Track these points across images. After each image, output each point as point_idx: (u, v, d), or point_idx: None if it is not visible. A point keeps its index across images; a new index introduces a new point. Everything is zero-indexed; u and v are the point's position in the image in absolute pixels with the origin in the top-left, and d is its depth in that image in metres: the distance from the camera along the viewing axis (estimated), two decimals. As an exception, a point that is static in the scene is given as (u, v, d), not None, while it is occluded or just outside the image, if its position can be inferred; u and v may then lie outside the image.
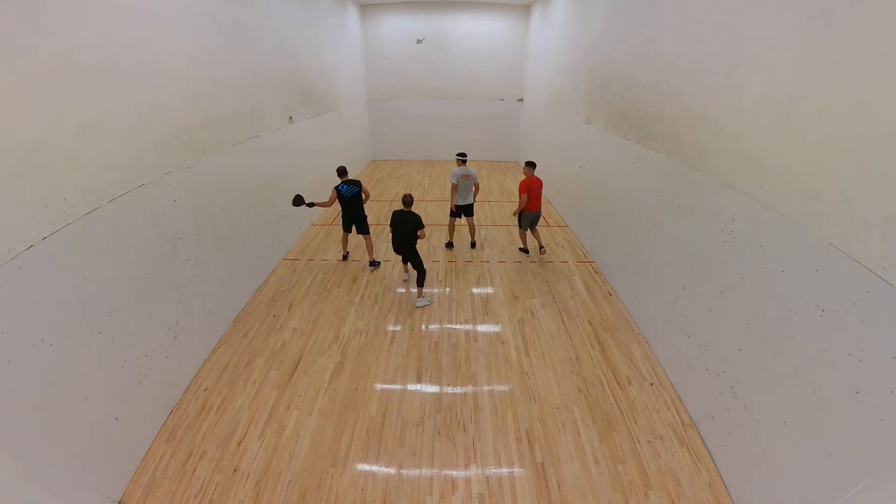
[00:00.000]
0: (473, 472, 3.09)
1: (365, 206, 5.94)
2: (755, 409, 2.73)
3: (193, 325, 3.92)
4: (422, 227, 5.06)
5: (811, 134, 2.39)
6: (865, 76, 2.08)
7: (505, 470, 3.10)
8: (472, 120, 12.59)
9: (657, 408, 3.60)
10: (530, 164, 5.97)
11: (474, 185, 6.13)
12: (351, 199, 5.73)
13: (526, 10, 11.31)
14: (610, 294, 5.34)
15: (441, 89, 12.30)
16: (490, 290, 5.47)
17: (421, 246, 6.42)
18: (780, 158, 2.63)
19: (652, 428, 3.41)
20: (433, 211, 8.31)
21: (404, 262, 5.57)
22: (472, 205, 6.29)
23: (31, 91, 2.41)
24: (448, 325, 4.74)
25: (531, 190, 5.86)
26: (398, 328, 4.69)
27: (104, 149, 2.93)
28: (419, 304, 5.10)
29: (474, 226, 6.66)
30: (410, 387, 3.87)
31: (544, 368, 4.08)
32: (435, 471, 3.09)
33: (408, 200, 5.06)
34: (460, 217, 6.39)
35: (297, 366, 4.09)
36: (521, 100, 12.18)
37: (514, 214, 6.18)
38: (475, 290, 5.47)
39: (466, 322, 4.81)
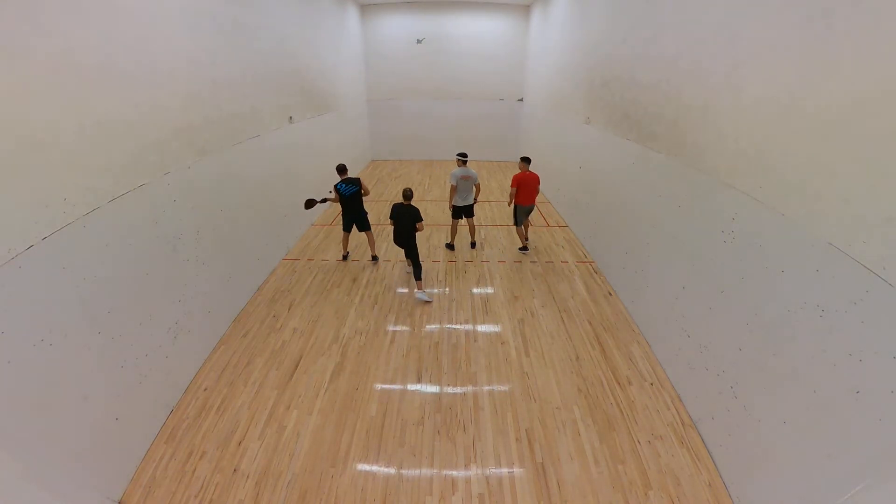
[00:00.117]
0: (473, 472, 3.09)
1: (364, 203, 5.95)
2: (755, 409, 2.73)
3: (193, 325, 3.92)
4: (420, 220, 5.16)
5: (811, 134, 2.39)
6: (865, 76, 2.08)
7: (505, 470, 3.10)
8: (472, 120, 12.59)
9: (657, 408, 3.60)
10: (524, 160, 6.16)
11: (475, 185, 6.13)
12: (350, 198, 5.74)
13: (526, 10, 11.31)
14: (610, 294, 5.34)
15: (441, 89, 12.30)
16: (490, 290, 5.47)
17: (421, 246, 6.45)
18: (780, 158, 2.63)
19: (652, 428, 3.41)
20: (433, 211, 8.31)
21: (406, 258, 5.66)
22: (472, 205, 6.29)
23: (32, 91, 2.41)
24: (448, 325, 4.74)
25: (524, 184, 6.02)
26: (398, 328, 4.69)
27: (104, 149, 2.93)
28: (420, 297, 5.19)
29: (474, 226, 6.66)
30: (410, 387, 3.87)
31: (544, 368, 4.08)
32: (435, 471, 3.09)
33: (408, 194, 5.19)
34: (461, 218, 6.40)
35: (297, 366, 4.09)
36: (521, 100, 12.18)
37: (510, 205, 6.35)
38: (475, 290, 5.47)
39: (466, 322, 4.81)
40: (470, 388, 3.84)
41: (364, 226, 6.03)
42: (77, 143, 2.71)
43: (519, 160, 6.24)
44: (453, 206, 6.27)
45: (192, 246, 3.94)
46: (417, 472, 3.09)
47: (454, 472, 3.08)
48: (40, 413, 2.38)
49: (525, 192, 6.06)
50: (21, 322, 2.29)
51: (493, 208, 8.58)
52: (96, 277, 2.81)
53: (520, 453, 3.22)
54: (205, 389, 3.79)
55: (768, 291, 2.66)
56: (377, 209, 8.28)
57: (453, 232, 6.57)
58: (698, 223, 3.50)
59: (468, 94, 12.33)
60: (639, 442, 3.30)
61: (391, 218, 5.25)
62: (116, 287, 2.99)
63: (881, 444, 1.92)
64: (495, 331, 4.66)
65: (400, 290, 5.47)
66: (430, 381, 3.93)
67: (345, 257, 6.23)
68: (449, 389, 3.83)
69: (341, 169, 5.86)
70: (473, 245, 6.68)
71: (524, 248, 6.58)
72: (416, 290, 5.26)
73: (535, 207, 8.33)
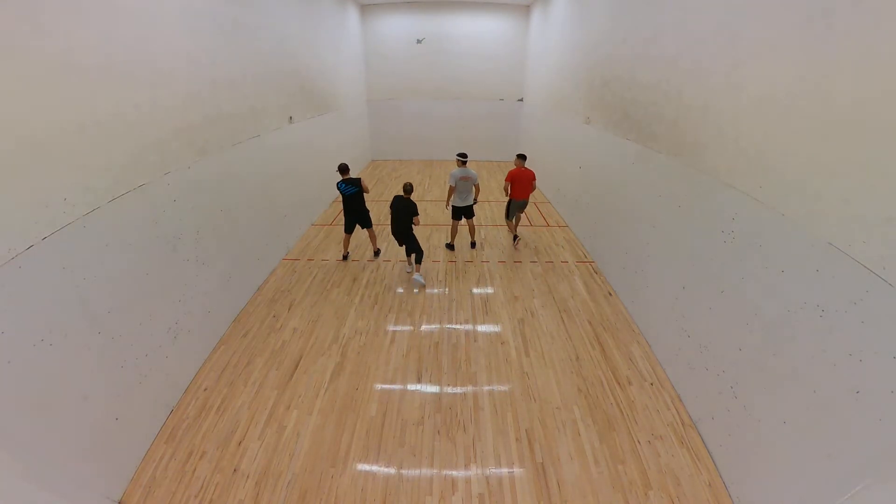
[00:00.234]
0: (473, 472, 3.09)
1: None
2: (755, 409, 2.73)
3: (193, 325, 3.92)
4: (416, 213, 5.41)
5: (811, 134, 2.39)
6: (865, 76, 2.08)
7: (505, 470, 3.10)
8: (473, 120, 12.59)
9: (657, 408, 3.60)
10: (520, 157, 6.37)
11: (474, 186, 6.13)
12: (350, 198, 5.78)
13: (526, 10, 11.31)
14: (610, 294, 5.34)
15: (441, 89, 12.30)
16: (490, 290, 5.47)
17: (421, 246, 6.46)
18: (780, 158, 2.63)
19: (652, 428, 3.41)
20: (433, 211, 8.30)
21: (407, 255, 5.84)
22: (472, 206, 6.29)
23: (32, 91, 2.41)
24: (448, 325, 4.74)
25: (518, 180, 6.22)
26: (398, 328, 4.69)
27: (104, 149, 2.93)
28: (416, 279, 5.48)
29: (474, 226, 6.66)
30: (410, 387, 3.87)
31: (544, 368, 4.08)
32: (435, 471, 3.10)
33: (408, 188, 5.47)
34: (460, 219, 6.40)
35: (297, 366, 4.09)
36: (521, 100, 12.18)
37: (506, 196, 6.52)
38: (475, 290, 5.47)
39: (466, 322, 4.81)
40: (470, 388, 3.84)
41: (366, 223, 6.10)
42: (77, 143, 2.71)
43: (515, 157, 6.44)
44: (453, 206, 6.27)
45: (192, 246, 3.94)
46: (417, 472, 3.09)
47: (454, 472, 3.08)
48: (40, 413, 2.38)
49: (519, 187, 6.28)
50: (21, 322, 2.29)
51: (494, 208, 8.58)
52: (96, 277, 2.81)
53: (520, 453, 3.22)
54: (205, 389, 3.79)
55: (768, 291, 2.66)
56: (377, 209, 8.27)
57: (453, 232, 6.57)
58: (698, 223, 3.50)
59: (468, 94, 12.33)
60: (639, 442, 3.30)
61: (391, 207, 5.50)
62: (116, 287, 2.99)
63: (881, 444, 1.92)
64: (495, 331, 4.66)
65: (400, 290, 5.47)
66: (430, 381, 3.93)
67: (345, 257, 6.23)
68: (449, 389, 3.84)
69: (343, 169, 5.87)
70: (473, 245, 6.68)
71: (515, 238, 6.84)
72: (414, 273, 5.56)
73: (536, 207, 8.40)
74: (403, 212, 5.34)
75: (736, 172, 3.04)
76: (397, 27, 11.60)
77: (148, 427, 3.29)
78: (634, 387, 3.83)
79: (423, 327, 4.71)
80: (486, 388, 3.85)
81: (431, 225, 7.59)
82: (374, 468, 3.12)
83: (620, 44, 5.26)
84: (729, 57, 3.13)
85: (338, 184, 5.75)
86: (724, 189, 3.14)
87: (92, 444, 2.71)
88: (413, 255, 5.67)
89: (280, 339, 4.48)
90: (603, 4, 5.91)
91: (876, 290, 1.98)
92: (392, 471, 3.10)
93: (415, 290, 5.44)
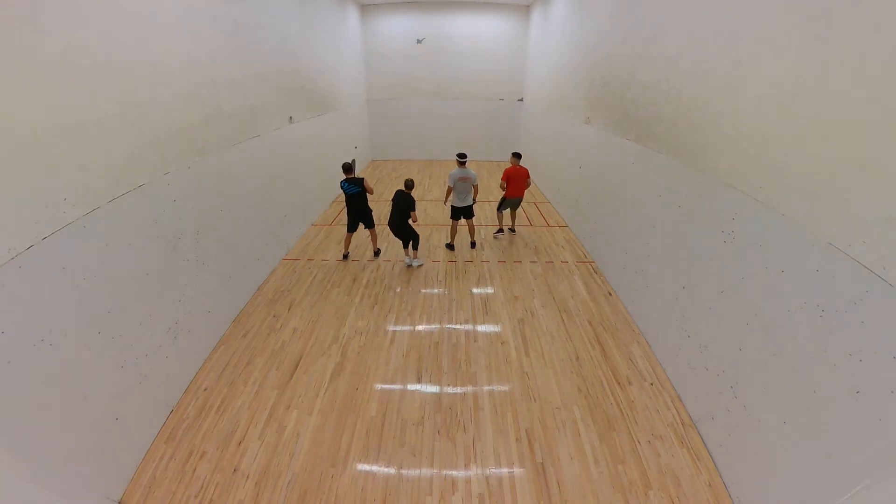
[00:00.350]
0: (473, 472, 3.09)
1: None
2: (755, 409, 2.73)
3: (193, 325, 3.92)
4: (413, 209, 5.65)
5: (811, 134, 2.39)
6: (865, 76, 2.08)
7: (505, 470, 3.10)
8: (473, 120, 12.59)
9: (657, 408, 3.60)
10: (515, 155, 6.63)
11: (473, 186, 6.14)
12: (352, 197, 5.82)
13: (526, 10, 11.31)
14: (610, 294, 5.34)
15: (441, 89, 12.30)
16: (490, 290, 5.47)
17: (421, 246, 6.48)
18: (780, 158, 2.63)
19: (652, 428, 3.41)
20: (433, 211, 8.31)
21: (405, 247, 6.05)
22: (471, 206, 6.30)
23: (32, 91, 2.41)
24: (448, 325, 4.74)
25: (513, 178, 6.44)
26: (398, 328, 4.69)
27: (104, 149, 2.93)
28: (414, 263, 5.93)
29: (474, 226, 6.67)
30: (410, 387, 3.87)
31: (544, 368, 4.08)
32: (435, 471, 3.09)
33: (408, 184, 5.76)
34: (460, 219, 6.40)
35: (297, 366, 4.09)
36: (521, 100, 12.18)
37: (503, 190, 6.67)
38: (475, 290, 5.47)
39: (466, 322, 4.81)
40: (470, 388, 3.84)
41: (369, 224, 6.14)
42: (77, 143, 2.71)
43: (511, 155, 6.67)
44: (452, 206, 6.28)
45: (192, 246, 3.94)
46: (417, 472, 3.09)
47: (454, 472, 3.08)
48: (40, 413, 2.38)
49: (515, 185, 6.50)
50: (21, 322, 2.29)
51: (494, 208, 8.56)
52: (96, 277, 2.81)
53: (520, 453, 3.22)
54: (205, 389, 3.79)
55: (768, 291, 2.66)
56: (377, 209, 8.25)
57: (453, 232, 6.58)
58: (698, 223, 3.50)
59: (468, 94, 12.33)
60: (639, 442, 3.30)
61: (392, 201, 5.76)
62: (116, 287, 2.99)
63: (881, 444, 1.92)
64: (495, 331, 4.66)
65: (400, 290, 5.47)
66: (430, 381, 3.92)
67: (345, 256, 6.24)
68: (449, 389, 3.83)
69: (347, 168, 5.89)
70: (473, 245, 6.68)
71: (500, 231, 7.16)
72: (413, 259, 5.96)
73: (536, 207, 8.44)
74: (401, 205, 5.59)
75: (736, 172, 3.04)
76: (397, 27, 11.60)
77: (148, 427, 3.29)
78: (634, 387, 3.83)
79: (423, 327, 4.71)
80: (486, 388, 3.85)
81: (431, 225, 7.59)
82: (374, 468, 3.12)
83: (620, 43, 5.26)
84: (729, 57, 3.13)
85: (341, 182, 5.81)
86: (724, 189, 3.14)
87: (92, 444, 2.71)
88: (410, 245, 5.95)
89: (280, 339, 4.48)
90: (603, 4, 5.91)
91: (876, 290, 1.98)
92: (392, 471, 3.10)
93: (414, 264, 6.00)
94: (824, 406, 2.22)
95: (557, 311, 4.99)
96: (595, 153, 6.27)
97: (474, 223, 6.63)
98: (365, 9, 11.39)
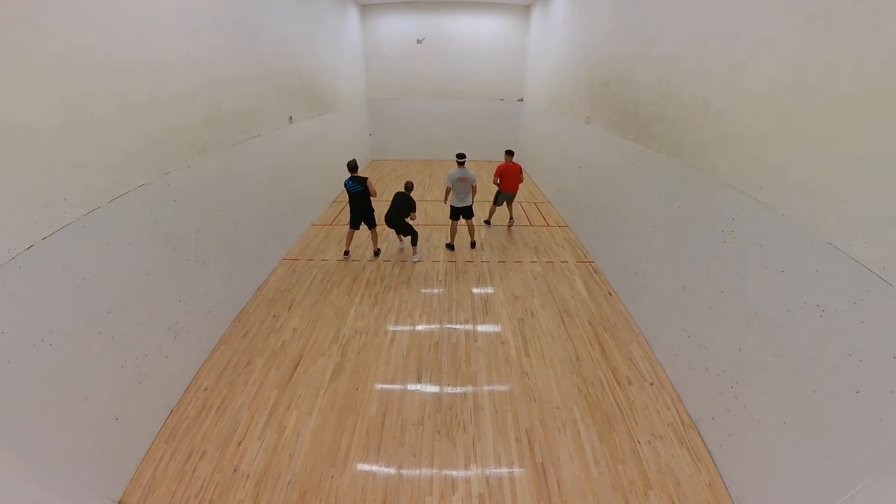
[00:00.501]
0: (473, 472, 3.09)
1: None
2: (755, 409, 2.73)
3: (193, 325, 3.92)
4: (413, 210, 5.92)
5: (811, 134, 2.39)
6: (866, 76, 2.08)
7: (505, 470, 3.10)
8: (472, 120, 12.59)
9: (657, 408, 3.60)
10: (508, 153, 6.97)
11: (472, 186, 6.14)
12: (355, 196, 5.86)
13: (526, 10, 11.30)
14: (610, 294, 5.34)
15: (441, 89, 12.30)
16: (490, 290, 5.47)
17: (421, 246, 6.51)
18: (780, 158, 2.63)
19: (652, 428, 3.41)
20: (433, 211, 8.30)
21: (398, 234, 6.43)
22: (470, 206, 6.30)
23: (32, 91, 2.41)
24: (448, 325, 4.74)
25: (507, 174, 6.81)
26: (398, 328, 4.69)
27: (104, 149, 2.93)
28: (413, 259, 6.16)
29: (474, 226, 6.67)
30: (410, 387, 3.87)
31: (544, 368, 4.08)
32: (435, 471, 3.09)
33: (409, 186, 6.05)
34: (459, 219, 6.41)
35: (297, 366, 4.09)
36: (521, 100, 12.18)
37: (495, 185, 7.06)
38: (475, 290, 5.47)
39: (466, 322, 4.81)
40: (470, 388, 3.84)
41: (371, 223, 6.18)
42: (77, 143, 2.71)
43: (504, 153, 6.98)
44: (451, 206, 6.29)
45: (192, 246, 3.94)
46: (417, 472, 3.09)
47: (454, 472, 3.08)
48: (40, 413, 2.37)
49: (509, 180, 6.86)
50: (21, 322, 2.29)
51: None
52: (96, 277, 2.81)
53: (520, 453, 3.22)
54: (205, 389, 3.79)
55: (768, 291, 2.66)
56: (378, 209, 8.24)
57: (452, 232, 6.58)
58: (698, 223, 3.50)
59: (468, 94, 12.33)
60: (639, 442, 3.30)
61: (392, 202, 5.96)
62: (116, 287, 2.99)
63: (881, 444, 1.92)
64: (495, 331, 4.66)
65: (399, 289, 5.47)
66: (430, 381, 3.92)
67: (346, 253, 6.24)
68: (449, 389, 3.83)
69: (351, 166, 5.93)
70: (473, 245, 6.68)
71: (487, 222, 7.59)
72: (412, 255, 6.21)
73: (536, 207, 8.47)
74: (401, 206, 5.82)
75: (736, 172, 3.04)
76: (397, 27, 11.60)
77: (148, 427, 3.29)
78: (634, 387, 3.83)
79: (423, 327, 4.71)
80: (486, 388, 3.85)
81: (431, 225, 7.60)
82: (374, 468, 3.12)
83: (621, 43, 5.26)
84: (729, 56, 3.13)
85: (345, 181, 5.87)
86: (724, 189, 3.14)
87: (92, 444, 2.71)
88: (409, 240, 6.19)
89: (280, 339, 4.48)
90: (603, 4, 5.91)
91: (876, 290, 1.98)
92: (392, 471, 3.10)
93: (414, 260, 6.20)
94: (824, 406, 2.22)
95: (557, 311, 4.99)
96: (595, 153, 6.27)
97: (473, 223, 6.63)
98: (365, 9, 11.39)
